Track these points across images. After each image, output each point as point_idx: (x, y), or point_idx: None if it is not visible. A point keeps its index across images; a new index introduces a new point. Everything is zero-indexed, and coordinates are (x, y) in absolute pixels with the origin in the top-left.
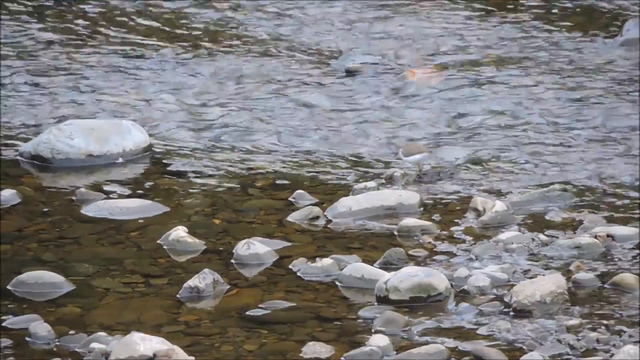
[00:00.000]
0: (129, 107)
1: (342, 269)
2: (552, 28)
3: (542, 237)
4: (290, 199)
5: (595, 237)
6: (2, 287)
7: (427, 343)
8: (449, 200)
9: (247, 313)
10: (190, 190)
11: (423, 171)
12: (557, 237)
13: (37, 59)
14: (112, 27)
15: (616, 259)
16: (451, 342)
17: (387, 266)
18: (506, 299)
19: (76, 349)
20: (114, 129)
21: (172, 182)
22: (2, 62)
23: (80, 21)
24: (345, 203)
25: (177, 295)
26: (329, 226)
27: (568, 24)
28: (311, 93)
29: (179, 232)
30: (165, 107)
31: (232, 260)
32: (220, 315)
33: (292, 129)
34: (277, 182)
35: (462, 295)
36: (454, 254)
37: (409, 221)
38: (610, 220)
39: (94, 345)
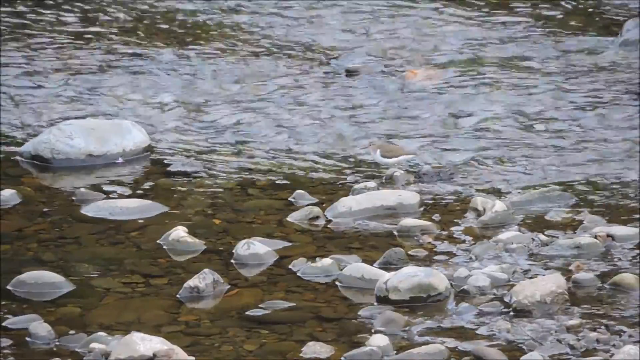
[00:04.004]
0: (128, 107)
1: (342, 269)
2: (552, 28)
3: (542, 237)
4: (290, 199)
5: (595, 237)
6: (2, 287)
7: (427, 343)
8: (449, 200)
9: (247, 313)
10: (190, 190)
11: (423, 171)
12: (557, 237)
13: (37, 59)
14: (111, 27)
15: (616, 259)
16: (451, 342)
17: (387, 266)
18: (506, 299)
19: (76, 349)
20: (114, 129)
21: (172, 182)
22: (2, 62)
23: (80, 22)
24: (345, 203)
25: (177, 295)
26: (329, 226)
27: (568, 24)
28: (311, 93)
29: (179, 232)
30: (165, 107)
31: (232, 260)
32: (220, 315)
33: (292, 129)
34: (277, 182)
35: (462, 295)
36: (454, 254)
37: (409, 221)
38: (610, 220)
39: (94, 345)
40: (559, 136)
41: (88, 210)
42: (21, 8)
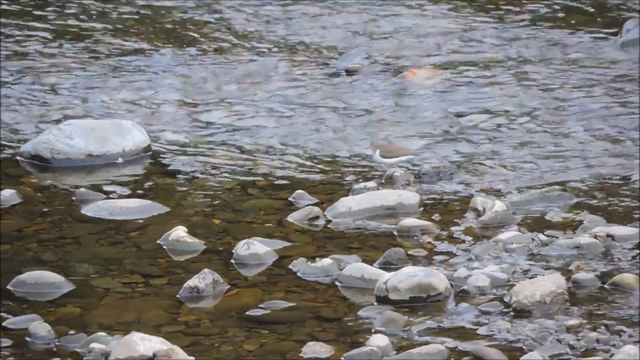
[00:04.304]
0: (128, 107)
1: (342, 269)
2: (552, 28)
3: (542, 237)
4: (290, 199)
5: (595, 237)
6: (2, 287)
7: (427, 343)
8: (449, 200)
9: (247, 313)
10: (190, 190)
11: (423, 171)
12: (557, 237)
13: (37, 59)
14: (112, 27)
15: (616, 259)
16: (451, 342)
17: (387, 266)
18: (506, 299)
19: (76, 349)
20: (114, 129)
21: (172, 182)
22: (2, 62)
23: (80, 21)
24: (345, 203)
25: (177, 295)
26: (328, 226)
27: (568, 23)
28: (311, 93)
29: (179, 232)
30: (165, 107)
31: (232, 260)
32: (220, 315)
33: (292, 129)
34: (277, 182)
35: (462, 295)
36: (454, 254)
37: (409, 221)
38: (610, 220)
39: (94, 345)
40: (559, 136)
41: (88, 210)
42: (21, 8)
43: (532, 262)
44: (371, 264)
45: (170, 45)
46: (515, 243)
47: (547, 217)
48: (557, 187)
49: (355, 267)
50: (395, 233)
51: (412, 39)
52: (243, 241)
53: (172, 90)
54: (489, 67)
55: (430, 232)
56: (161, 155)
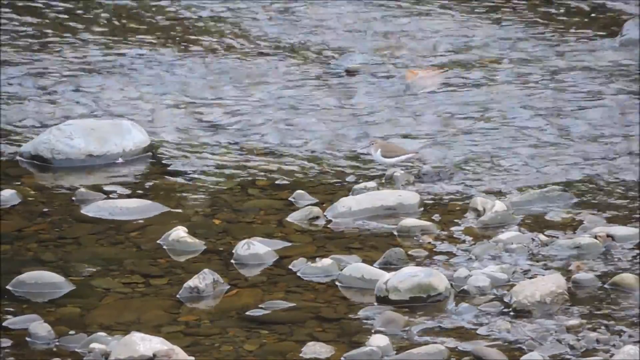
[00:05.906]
0: (128, 107)
1: (342, 269)
2: (552, 28)
3: (542, 237)
4: (290, 199)
5: (595, 237)
6: (2, 287)
7: (427, 343)
8: (449, 200)
9: (247, 313)
10: (190, 190)
11: (423, 171)
12: (557, 237)
13: (38, 59)
14: (111, 27)
15: (616, 259)
16: (451, 342)
17: (387, 266)
18: (506, 299)
19: (76, 349)
20: (114, 129)
21: (172, 182)
22: (2, 62)
23: (80, 21)
24: (345, 203)
25: (177, 295)
26: (329, 226)
27: (568, 24)
28: (311, 93)
29: (179, 232)
30: (165, 107)
31: (232, 260)
32: (220, 315)
33: (292, 129)
34: (277, 182)
35: (462, 295)
36: (454, 254)
37: (409, 221)
38: (610, 220)
39: (94, 345)
40: (559, 136)
41: (88, 210)
42: (21, 8)
43: (532, 262)
44: (371, 264)
45: (169, 45)
46: (515, 243)
47: (547, 217)
48: (557, 187)
49: (356, 267)
50: (395, 233)
51: (412, 40)
52: (243, 241)
53: (172, 90)
54: (489, 68)
55: (430, 232)
56: (161, 155)
